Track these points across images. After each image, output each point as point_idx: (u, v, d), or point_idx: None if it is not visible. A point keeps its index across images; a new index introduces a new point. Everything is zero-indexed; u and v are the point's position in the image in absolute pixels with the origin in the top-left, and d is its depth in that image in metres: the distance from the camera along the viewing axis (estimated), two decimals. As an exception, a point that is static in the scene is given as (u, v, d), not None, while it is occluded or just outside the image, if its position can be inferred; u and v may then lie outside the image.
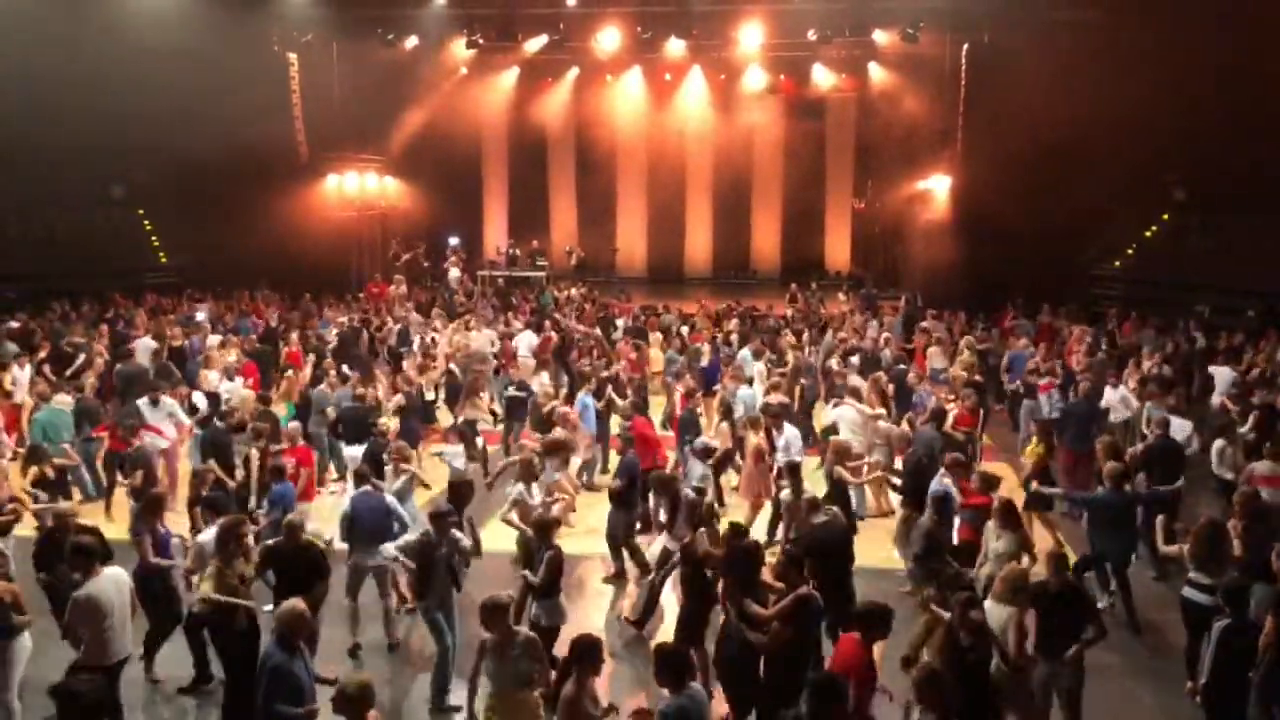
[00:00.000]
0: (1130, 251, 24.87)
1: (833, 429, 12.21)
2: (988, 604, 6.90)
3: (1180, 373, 15.64)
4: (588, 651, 5.99)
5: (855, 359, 15.69)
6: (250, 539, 7.99)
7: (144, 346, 16.28)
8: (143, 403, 12.62)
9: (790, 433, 11.16)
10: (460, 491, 9.59)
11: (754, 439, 11.31)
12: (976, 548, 8.68)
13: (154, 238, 25.80)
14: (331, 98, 24.82)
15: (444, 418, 14.65)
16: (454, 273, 26.62)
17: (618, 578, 10.34)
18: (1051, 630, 6.93)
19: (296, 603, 6.46)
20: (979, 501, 9.00)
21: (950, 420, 11.90)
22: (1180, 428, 11.26)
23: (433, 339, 17.89)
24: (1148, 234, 25.02)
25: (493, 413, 14.39)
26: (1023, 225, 20.12)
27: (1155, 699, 8.10)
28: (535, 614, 7.71)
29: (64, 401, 12.57)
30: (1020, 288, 20.77)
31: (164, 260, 25.49)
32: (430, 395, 15.12)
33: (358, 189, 26.41)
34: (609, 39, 25.14)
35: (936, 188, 24.23)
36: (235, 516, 8.16)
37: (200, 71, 19.86)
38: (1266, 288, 20.10)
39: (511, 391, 14.03)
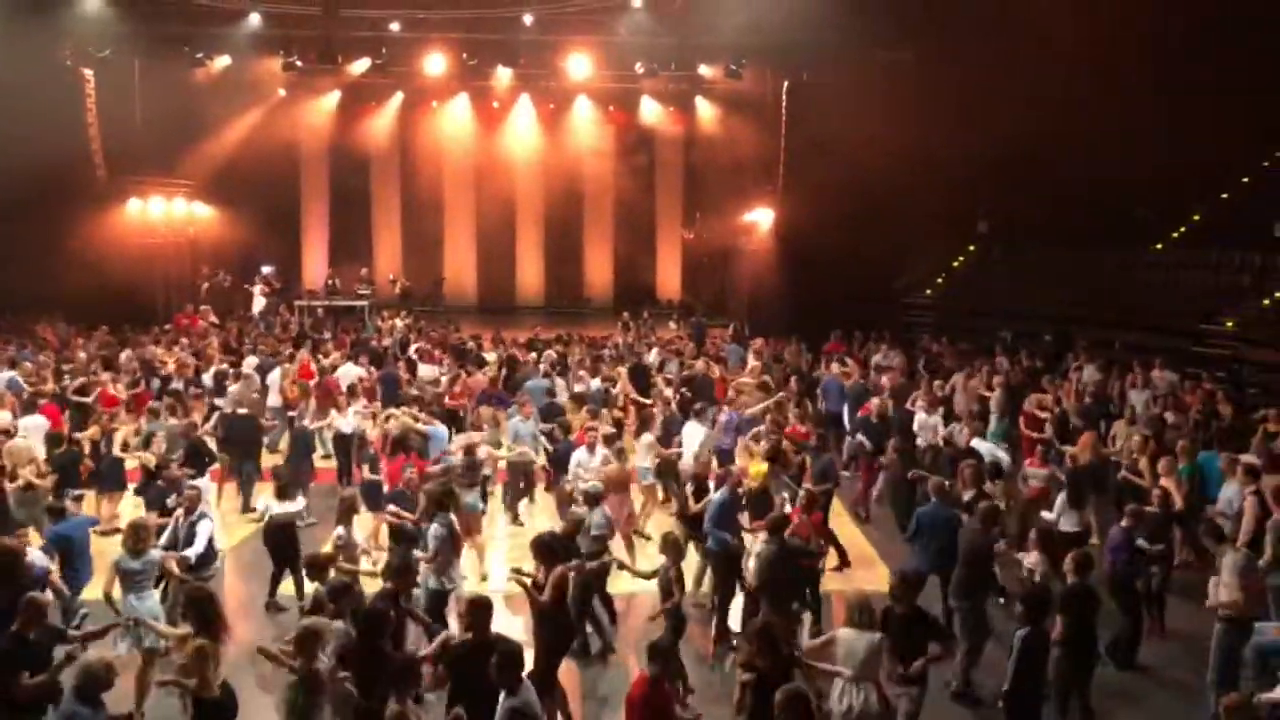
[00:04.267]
0: (940, 280, 26.21)
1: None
2: (844, 631, 6.88)
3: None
4: (405, 673, 6.68)
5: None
6: None
7: None
8: None
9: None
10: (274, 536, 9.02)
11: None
12: None
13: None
14: (134, 118, 23.14)
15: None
16: (260, 302, 25.34)
17: None
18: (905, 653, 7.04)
19: (103, 655, 6.33)
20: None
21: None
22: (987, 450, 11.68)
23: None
24: (955, 264, 26.45)
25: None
26: (841, 255, 20.93)
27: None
28: None
29: None
30: (839, 315, 21.44)
31: (-63, 291, 23.13)
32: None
33: (164, 214, 24.81)
34: (434, 64, 24.72)
35: (760, 219, 24.90)
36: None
37: (-25, 85, 18.17)
38: (1060, 313, 21.53)
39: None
